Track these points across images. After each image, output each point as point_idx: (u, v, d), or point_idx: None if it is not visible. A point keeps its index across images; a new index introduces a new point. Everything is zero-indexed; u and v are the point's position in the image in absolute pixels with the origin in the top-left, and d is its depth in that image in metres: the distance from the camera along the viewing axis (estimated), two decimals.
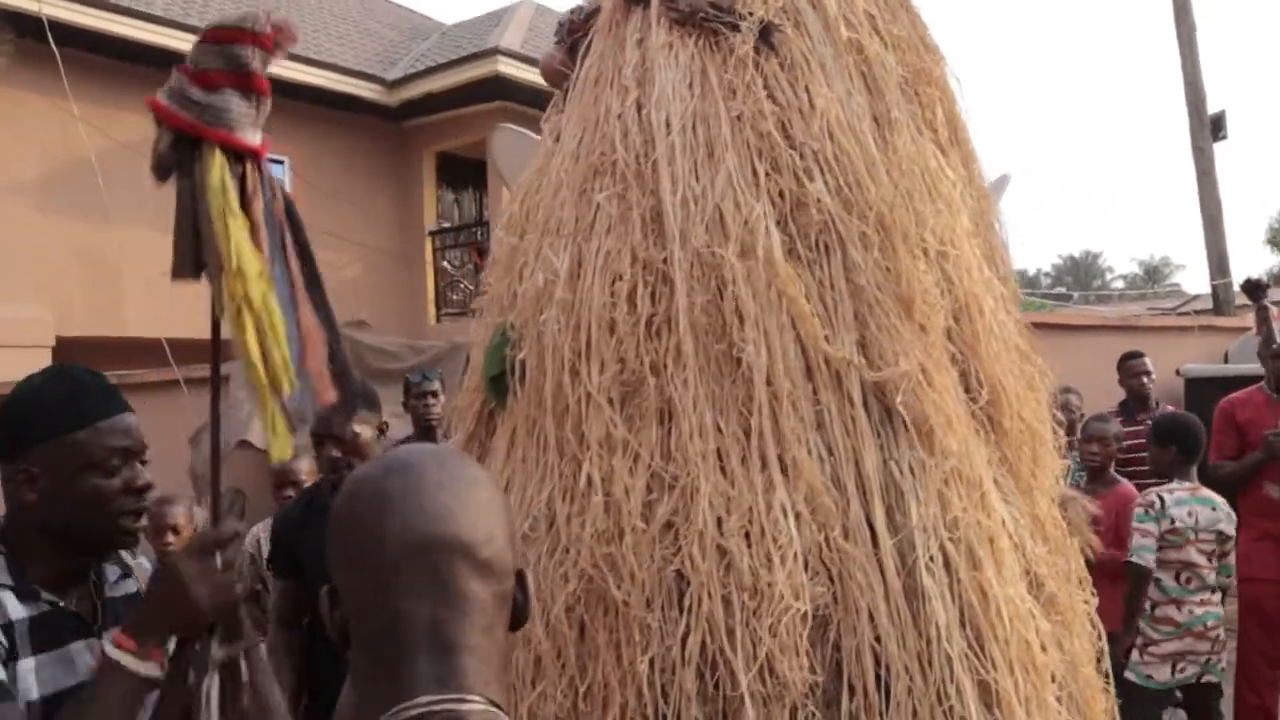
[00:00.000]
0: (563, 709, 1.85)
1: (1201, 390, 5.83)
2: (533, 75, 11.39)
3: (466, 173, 12.44)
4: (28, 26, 8.72)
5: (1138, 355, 4.97)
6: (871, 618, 1.83)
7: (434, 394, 5.16)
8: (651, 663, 1.77)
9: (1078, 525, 2.25)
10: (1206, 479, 3.87)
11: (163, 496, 5.20)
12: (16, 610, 1.46)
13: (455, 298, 12.04)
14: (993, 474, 2.04)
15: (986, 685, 1.82)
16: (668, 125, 2.13)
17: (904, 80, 2.25)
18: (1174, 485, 3.65)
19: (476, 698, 0.91)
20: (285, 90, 8.34)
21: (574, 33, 2.54)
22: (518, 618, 1.00)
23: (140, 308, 9.86)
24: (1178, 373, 6.90)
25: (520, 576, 0.99)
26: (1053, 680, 1.90)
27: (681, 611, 1.81)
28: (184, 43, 9.87)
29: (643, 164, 2.13)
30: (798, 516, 1.84)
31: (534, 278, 2.17)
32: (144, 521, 1.68)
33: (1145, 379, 4.90)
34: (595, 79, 2.37)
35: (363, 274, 11.29)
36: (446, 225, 12.42)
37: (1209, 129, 9.88)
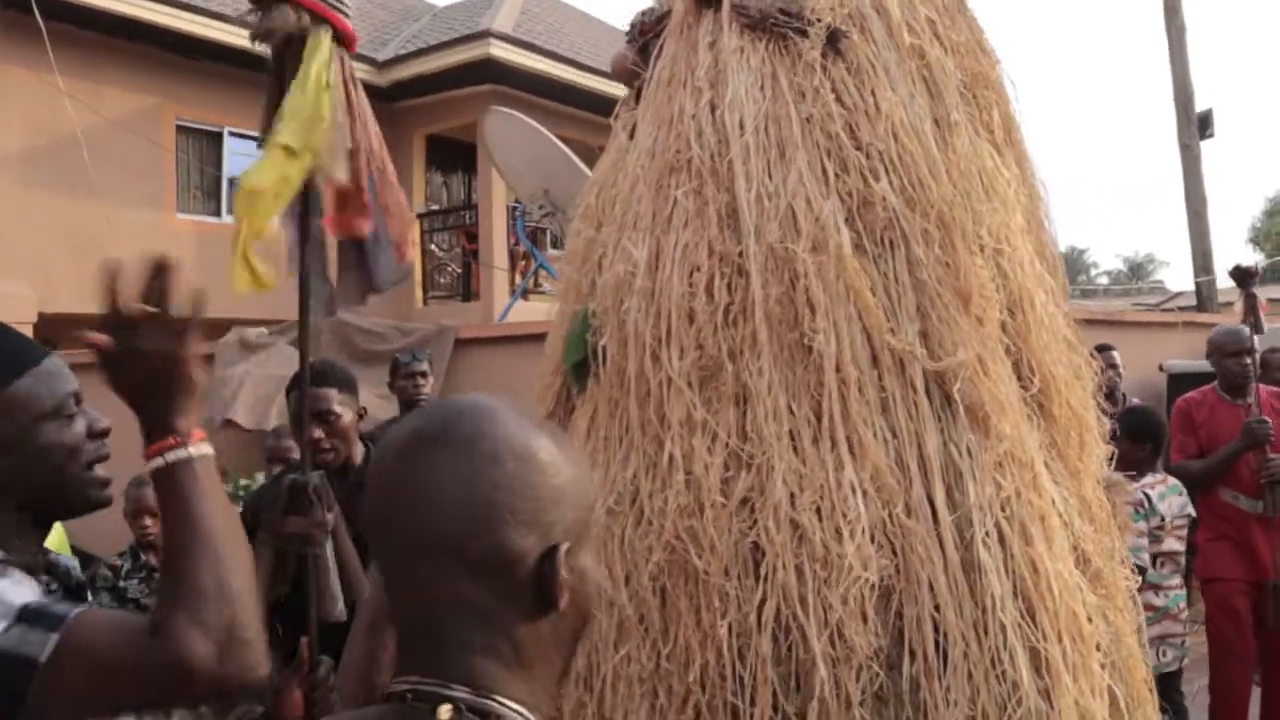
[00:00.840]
0: (645, 670, 1.98)
1: (1184, 385, 6.03)
2: (524, 58, 11.45)
3: (456, 156, 12.48)
4: None
5: (1107, 348, 5.05)
6: (931, 588, 1.97)
7: (423, 374, 5.17)
8: (730, 627, 1.91)
9: (1119, 507, 2.41)
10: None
11: (140, 478, 5.22)
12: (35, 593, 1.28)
13: (443, 281, 12.08)
14: (1043, 457, 2.18)
15: (1037, 652, 1.97)
16: (741, 126, 2.25)
17: (962, 84, 2.38)
18: (1150, 479, 3.88)
19: (460, 687, 0.88)
20: None
21: (645, 34, 2.64)
22: (542, 600, 0.90)
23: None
24: (1160, 368, 7.13)
25: (549, 554, 0.89)
26: (1097, 649, 2.05)
27: (757, 580, 1.94)
28: (170, 18, 9.91)
29: (717, 162, 2.25)
30: (864, 494, 1.98)
31: (614, 268, 2.28)
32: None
33: (1113, 373, 4.96)
34: (668, 79, 2.48)
35: None
36: (435, 208, 12.46)
37: (1196, 127, 9.94)
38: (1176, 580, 3.86)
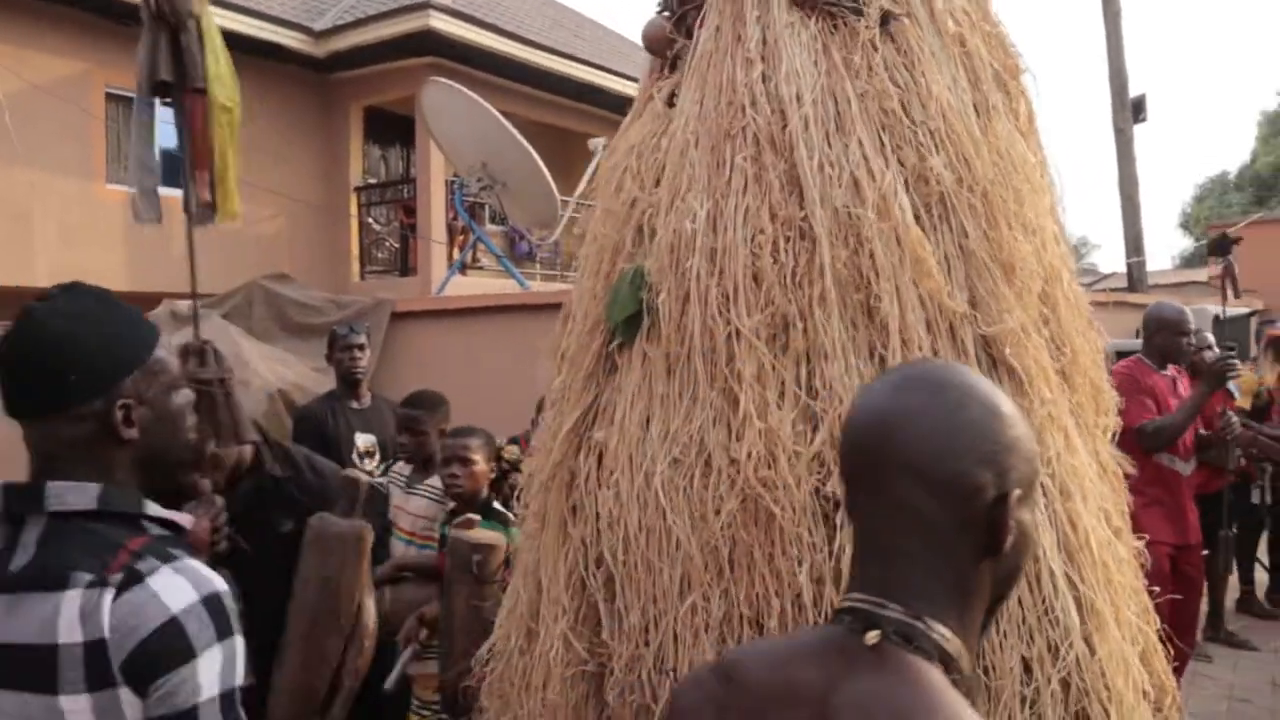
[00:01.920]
0: (714, 619, 2.06)
1: (1115, 364, 6.41)
2: (465, 31, 11.33)
3: (395, 129, 12.32)
4: None
5: None
6: None
7: (360, 347, 5.13)
8: (809, 574, 2.00)
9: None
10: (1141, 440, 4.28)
11: None
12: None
13: (380, 255, 11.92)
14: (1071, 422, 2.34)
15: (1079, 599, 2.12)
16: (798, 99, 2.33)
17: (996, 73, 2.51)
18: None
19: (895, 606, 0.99)
20: None
21: (685, 3, 2.70)
22: (990, 539, 1.00)
23: (52, 257, 9.46)
24: None
25: (1002, 499, 1.00)
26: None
27: (830, 530, 2.04)
28: None
29: (775, 130, 2.33)
30: None
31: (670, 228, 2.34)
32: None
33: None
34: (712, 50, 2.55)
35: (286, 227, 11.09)
36: (373, 181, 12.27)
37: (1130, 111, 10.21)
38: None
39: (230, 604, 1.34)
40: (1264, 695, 5.07)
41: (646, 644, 2.15)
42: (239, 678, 1.33)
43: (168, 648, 1.25)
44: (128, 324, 1.44)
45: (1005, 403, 1.05)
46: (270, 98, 11.07)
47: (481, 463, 3.61)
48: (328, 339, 5.19)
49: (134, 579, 1.28)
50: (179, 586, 1.29)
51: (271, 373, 5.90)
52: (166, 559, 1.31)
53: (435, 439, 4.12)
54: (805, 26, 2.46)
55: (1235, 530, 6.40)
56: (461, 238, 11.48)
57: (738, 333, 2.18)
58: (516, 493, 5.18)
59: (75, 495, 1.34)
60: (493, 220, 12.05)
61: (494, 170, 9.97)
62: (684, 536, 2.08)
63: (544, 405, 5.26)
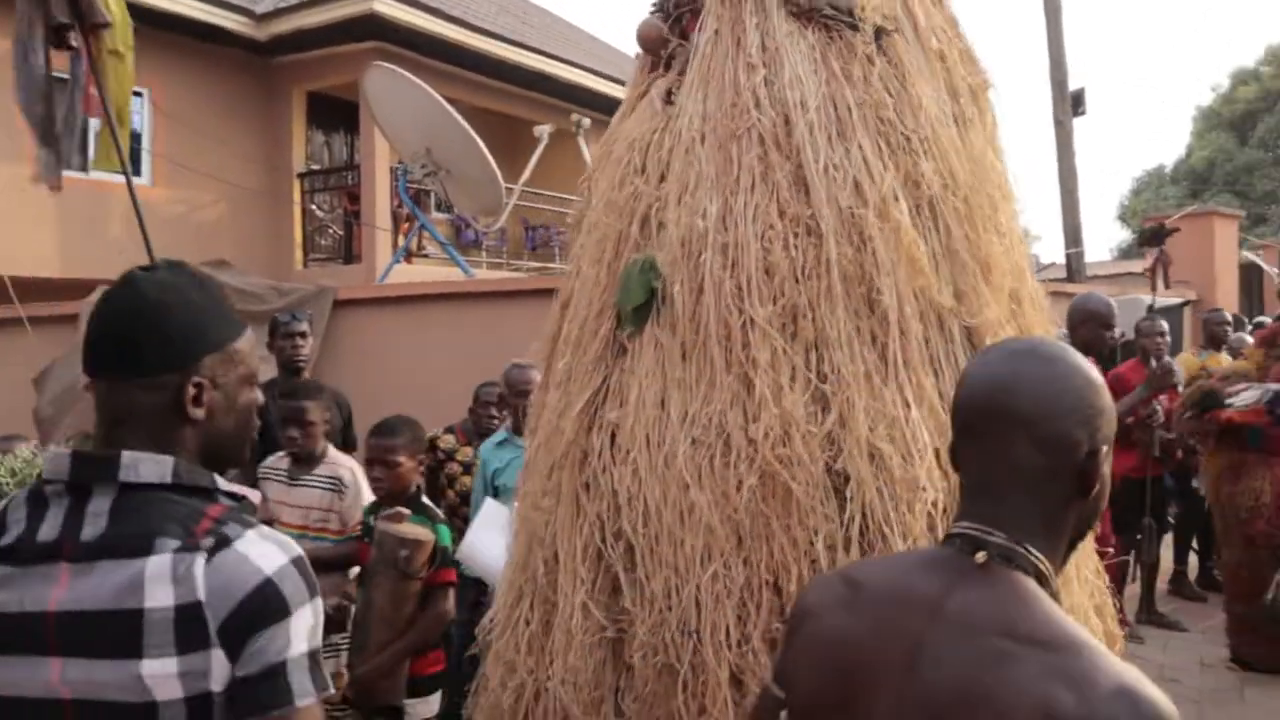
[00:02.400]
0: (735, 584, 2.27)
1: None
2: (410, 15, 11.29)
3: (339, 114, 12.18)
4: None
5: None
6: None
7: (302, 335, 5.12)
8: (824, 542, 2.22)
9: None
10: None
11: (7, 435, 5.08)
12: None
13: (324, 243, 11.84)
14: None
15: None
16: (803, 104, 2.54)
17: (969, 87, 2.75)
18: None
19: (999, 534, 1.22)
20: (146, 17, 7.76)
21: (680, 6, 2.86)
22: (1080, 485, 1.23)
23: None
24: None
25: (1093, 453, 1.22)
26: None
27: (841, 502, 2.26)
28: None
29: (779, 132, 2.53)
30: (926, 429, 2.33)
31: (682, 222, 2.51)
32: None
33: None
34: (711, 52, 2.71)
35: (227, 214, 10.93)
36: (316, 168, 12.15)
37: (1070, 104, 10.30)
38: None
39: (310, 566, 1.38)
40: (1193, 675, 5.28)
41: (669, 609, 2.33)
42: (320, 637, 1.36)
43: (265, 607, 1.28)
44: (217, 309, 1.47)
45: (1098, 376, 1.28)
46: (211, 81, 10.92)
47: (406, 461, 3.57)
48: (269, 327, 5.14)
49: (224, 542, 1.30)
50: (268, 550, 1.32)
51: None
52: (248, 525, 1.35)
53: (321, 429, 4.13)
54: (803, 36, 2.66)
55: (1174, 516, 6.81)
56: (406, 225, 11.49)
57: (751, 322, 2.38)
58: (452, 481, 5.28)
59: (149, 467, 1.35)
60: (439, 208, 12.06)
61: (438, 156, 10.00)
62: (706, 510, 2.28)
63: (481, 395, 5.40)
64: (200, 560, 1.28)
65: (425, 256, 11.70)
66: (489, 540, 3.71)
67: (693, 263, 2.48)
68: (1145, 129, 78.83)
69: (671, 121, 2.74)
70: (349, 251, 11.73)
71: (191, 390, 1.40)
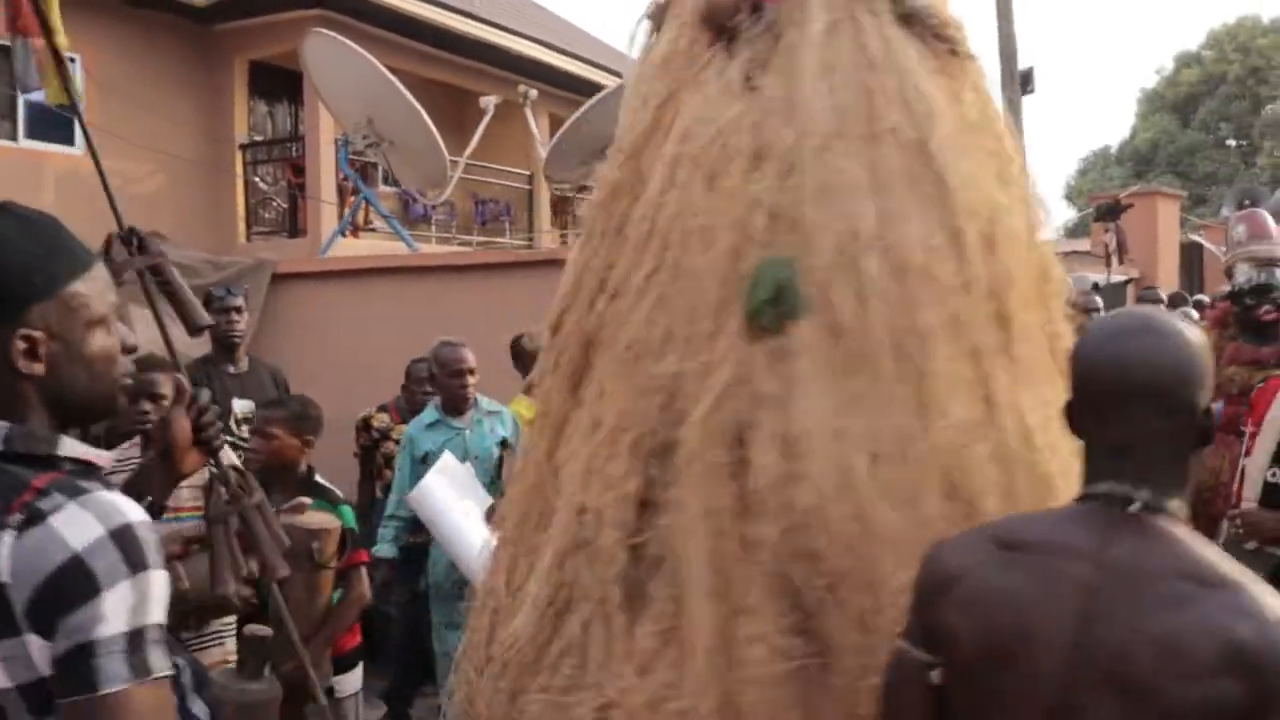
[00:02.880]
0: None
1: None
2: None
3: (282, 84, 11.75)
4: None
5: None
6: None
7: (237, 310, 5.05)
8: None
9: None
10: None
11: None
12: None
13: (268, 216, 11.38)
14: None
15: None
16: (935, 116, 2.53)
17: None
18: None
19: (1145, 489, 1.42)
20: None
21: None
22: (1201, 439, 1.47)
23: None
24: None
25: (1208, 410, 1.47)
26: None
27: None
28: None
29: (919, 141, 2.50)
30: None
31: (827, 226, 2.41)
32: None
33: None
34: (828, 44, 2.59)
35: (166, 186, 10.47)
36: (259, 139, 11.67)
37: (1019, 82, 10.23)
38: None
39: (146, 534, 1.26)
40: None
41: (873, 630, 2.17)
42: (153, 615, 1.24)
43: (70, 587, 1.18)
44: (47, 250, 1.32)
45: (1198, 337, 1.48)
46: (147, 48, 10.39)
47: (284, 437, 3.62)
48: (203, 301, 5.04)
49: (35, 518, 1.20)
50: (83, 522, 1.21)
51: (147, 336, 5.79)
52: (74, 493, 1.24)
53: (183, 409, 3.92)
54: (909, 43, 2.63)
55: None
56: (351, 198, 11.15)
57: (921, 330, 2.36)
58: (389, 461, 5.12)
59: None
60: (386, 181, 11.73)
61: (380, 127, 9.76)
62: (896, 525, 2.25)
63: (414, 371, 5.22)
64: (9, 538, 1.20)
65: (372, 230, 11.39)
66: (444, 491, 3.73)
67: (853, 268, 2.42)
68: (1091, 109, 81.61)
69: (769, 107, 2.57)
70: (294, 225, 11.35)
71: (21, 344, 1.28)
